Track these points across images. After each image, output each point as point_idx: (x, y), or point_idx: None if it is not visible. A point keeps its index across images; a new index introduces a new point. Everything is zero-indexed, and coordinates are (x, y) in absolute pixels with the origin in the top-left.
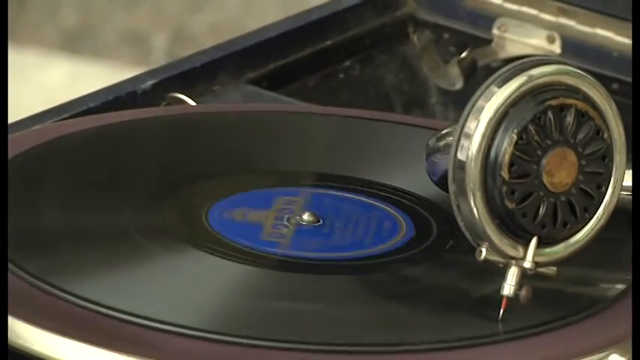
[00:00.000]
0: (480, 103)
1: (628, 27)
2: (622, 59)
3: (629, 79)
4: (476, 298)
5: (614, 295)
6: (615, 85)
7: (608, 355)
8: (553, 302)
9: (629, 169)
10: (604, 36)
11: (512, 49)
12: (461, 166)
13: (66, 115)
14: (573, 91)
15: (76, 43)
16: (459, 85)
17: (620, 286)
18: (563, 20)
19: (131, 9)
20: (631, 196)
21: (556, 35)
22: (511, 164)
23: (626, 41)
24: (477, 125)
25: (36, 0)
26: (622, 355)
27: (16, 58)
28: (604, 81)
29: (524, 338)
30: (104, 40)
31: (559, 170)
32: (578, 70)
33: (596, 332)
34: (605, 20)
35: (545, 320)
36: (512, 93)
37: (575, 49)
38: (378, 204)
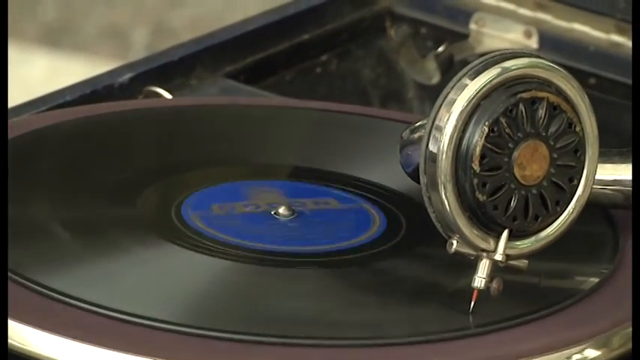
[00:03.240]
0: (451, 95)
1: (605, 22)
2: (599, 54)
3: (606, 74)
4: (449, 292)
5: (589, 289)
6: (592, 80)
7: (583, 349)
8: (528, 295)
9: (602, 162)
10: (581, 31)
11: (490, 43)
12: (432, 158)
13: (43, 108)
14: (545, 84)
15: (55, 37)
16: (435, 79)
17: (594, 279)
18: (540, 15)
19: (111, 3)
20: (604, 189)
21: (533, 30)
22: (482, 157)
23: (603, 36)
24: (449, 117)
25: None
26: (597, 348)
27: None
28: (581, 76)
29: (497, 331)
30: (84, 35)
31: (530, 163)
32: (551, 63)
33: (571, 326)
34: (582, 15)
35: (519, 313)
36: (484, 85)
37: (552, 43)
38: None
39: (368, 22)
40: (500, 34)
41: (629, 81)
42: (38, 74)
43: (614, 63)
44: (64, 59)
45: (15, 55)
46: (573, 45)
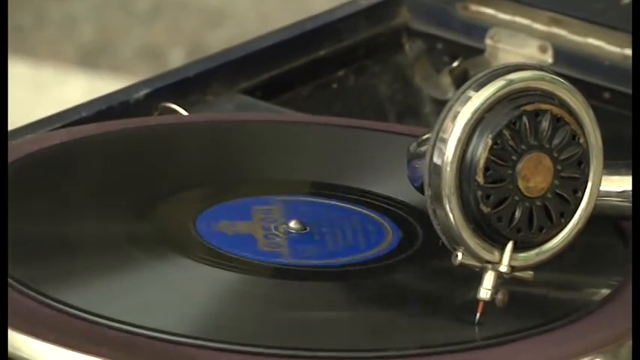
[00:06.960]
0: (455, 107)
1: (619, 36)
2: (613, 68)
3: (621, 89)
4: (461, 304)
5: (598, 301)
6: (607, 95)
7: None
8: (536, 308)
9: (609, 174)
10: (595, 45)
11: (505, 58)
12: (436, 170)
13: (59, 125)
14: (549, 97)
15: (93, 58)
16: (450, 94)
17: (605, 291)
18: (555, 30)
19: (148, 24)
20: (610, 201)
21: (548, 45)
22: (486, 169)
23: (617, 50)
24: (453, 130)
25: (54, 16)
26: None
27: (34, 73)
28: (596, 90)
29: (505, 344)
30: (121, 56)
31: (534, 175)
32: (554, 76)
33: (579, 337)
34: (596, 30)
35: (529, 326)
36: (488, 98)
37: (567, 58)
38: (364, 211)
39: (384, 37)
40: (515, 49)
41: None
42: (76, 95)
43: (628, 77)
44: (101, 80)
45: (52, 76)
46: (588, 59)
